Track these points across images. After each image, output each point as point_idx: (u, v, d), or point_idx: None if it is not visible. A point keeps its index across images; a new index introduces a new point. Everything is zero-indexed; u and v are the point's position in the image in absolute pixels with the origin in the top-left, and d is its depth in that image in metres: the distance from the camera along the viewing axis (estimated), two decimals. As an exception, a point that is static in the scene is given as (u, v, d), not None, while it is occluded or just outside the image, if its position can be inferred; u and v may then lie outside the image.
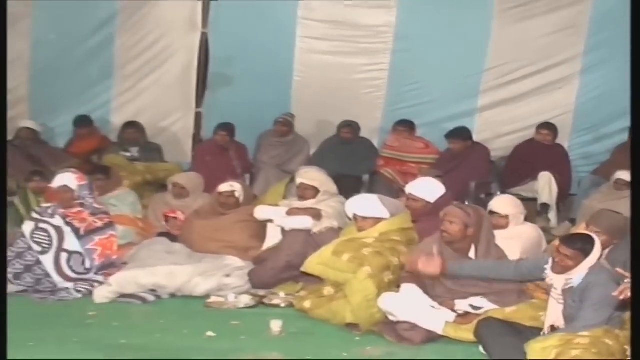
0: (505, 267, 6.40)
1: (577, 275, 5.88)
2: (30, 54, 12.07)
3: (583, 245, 5.91)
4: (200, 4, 11.66)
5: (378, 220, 7.31)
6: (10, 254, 7.49)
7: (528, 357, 5.67)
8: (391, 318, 6.52)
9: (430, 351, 6.29)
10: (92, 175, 8.64)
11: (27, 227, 7.70)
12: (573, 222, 9.30)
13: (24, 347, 6.15)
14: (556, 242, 6.16)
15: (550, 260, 6.05)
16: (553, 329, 5.96)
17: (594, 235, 6.14)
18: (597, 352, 5.47)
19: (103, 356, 6.05)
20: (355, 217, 7.42)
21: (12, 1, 11.74)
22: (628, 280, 5.17)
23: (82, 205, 7.90)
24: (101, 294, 7.35)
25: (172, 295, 7.48)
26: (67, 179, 7.98)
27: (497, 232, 7.14)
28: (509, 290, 6.48)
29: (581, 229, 7.16)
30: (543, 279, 6.13)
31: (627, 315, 5.89)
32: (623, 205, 8.02)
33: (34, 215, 7.85)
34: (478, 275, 6.44)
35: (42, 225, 7.65)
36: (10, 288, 7.40)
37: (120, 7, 11.84)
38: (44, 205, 8.01)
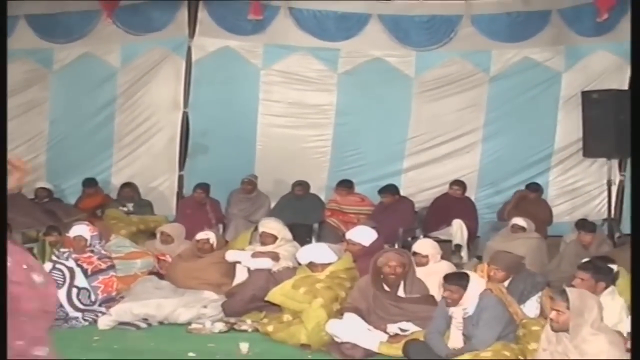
0: (441, 323, 6.19)
1: (470, 304, 5.93)
2: (48, 130, 12.05)
3: (459, 280, 5.96)
4: (182, 88, 11.66)
5: (329, 264, 7.32)
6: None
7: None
8: (336, 339, 6.49)
9: (368, 365, 6.27)
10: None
11: (47, 266, 7.54)
12: (480, 258, 9.30)
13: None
14: None
15: (442, 298, 6.10)
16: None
17: (468, 272, 6.26)
18: (498, 363, 5.53)
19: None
20: (311, 263, 7.40)
21: (33, 88, 11.82)
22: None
23: (92, 251, 7.84)
24: (104, 322, 7.26)
25: (160, 323, 7.37)
26: (82, 230, 7.94)
27: (418, 269, 7.15)
28: (428, 317, 6.43)
29: (484, 267, 7.19)
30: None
31: (520, 332, 6.05)
32: (518, 246, 8.13)
33: (53, 257, 7.79)
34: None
35: (58, 265, 7.59)
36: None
37: (119, 91, 11.87)
38: (62, 250, 7.91)
